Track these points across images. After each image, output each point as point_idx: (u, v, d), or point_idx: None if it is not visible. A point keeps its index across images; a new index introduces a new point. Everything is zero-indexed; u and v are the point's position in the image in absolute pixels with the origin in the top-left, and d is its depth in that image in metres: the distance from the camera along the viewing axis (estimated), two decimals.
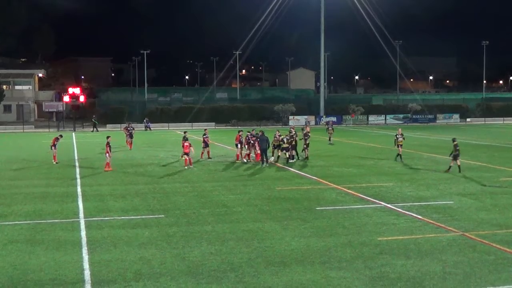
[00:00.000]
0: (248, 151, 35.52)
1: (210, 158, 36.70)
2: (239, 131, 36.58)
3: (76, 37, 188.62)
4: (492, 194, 24.07)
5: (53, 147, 35.70)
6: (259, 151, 34.41)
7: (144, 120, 75.85)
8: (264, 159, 33.67)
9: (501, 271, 13.86)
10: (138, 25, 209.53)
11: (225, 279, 13.34)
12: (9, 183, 27.86)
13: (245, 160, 35.06)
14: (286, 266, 14.31)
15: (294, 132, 36.09)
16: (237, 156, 35.91)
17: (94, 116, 76.16)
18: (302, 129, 39.65)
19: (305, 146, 36.63)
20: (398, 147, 35.31)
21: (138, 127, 69.92)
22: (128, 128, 47.48)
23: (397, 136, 35.54)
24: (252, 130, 36.82)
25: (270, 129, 53.65)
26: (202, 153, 37.55)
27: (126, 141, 46.54)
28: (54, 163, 35.12)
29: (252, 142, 35.11)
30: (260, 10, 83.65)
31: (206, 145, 37.33)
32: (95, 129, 72.66)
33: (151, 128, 74.50)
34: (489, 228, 18.05)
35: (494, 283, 13.06)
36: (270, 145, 34.52)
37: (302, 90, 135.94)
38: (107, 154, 32.09)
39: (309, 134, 37.70)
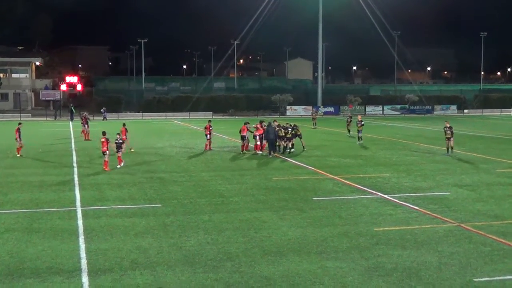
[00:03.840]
0: (259, 142, 34.48)
1: (211, 149, 36.15)
2: (245, 123, 35.85)
3: (73, 26, 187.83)
4: (489, 185, 24.12)
5: (18, 140, 33.39)
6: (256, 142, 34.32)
7: (102, 110, 74.97)
8: (271, 150, 33.39)
9: (497, 262, 13.91)
10: (136, 14, 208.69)
11: (222, 269, 13.37)
12: (5, 172, 27.83)
13: (258, 152, 34.20)
14: (282, 256, 14.35)
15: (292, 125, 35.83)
16: (242, 147, 35.16)
17: (71, 104, 75.57)
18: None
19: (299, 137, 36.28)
20: (447, 139, 33.82)
21: (97, 117, 70.16)
22: (87, 118, 46.95)
23: (445, 129, 33.90)
24: (247, 123, 36.08)
25: (267, 119, 53.55)
26: (209, 143, 36.65)
27: (83, 130, 44.75)
28: (18, 155, 33.01)
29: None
30: (258, 0, 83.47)
31: (210, 136, 36.24)
32: (72, 117, 72.18)
33: (107, 118, 72.96)
34: (485, 219, 18.10)
35: (489, 274, 13.10)
36: (277, 136, 34.17)
37: (299, 80, 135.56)
38: (106, 152, 27.98)
39: (363, 122, 41.78)
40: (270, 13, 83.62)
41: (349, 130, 47.77)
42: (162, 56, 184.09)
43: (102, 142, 27.97)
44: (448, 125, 33.91)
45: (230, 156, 33.56)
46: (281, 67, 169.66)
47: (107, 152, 27.83)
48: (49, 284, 12.44)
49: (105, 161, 27.97)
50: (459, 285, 12.39)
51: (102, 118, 71.93)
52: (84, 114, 49.78)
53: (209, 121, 37.71)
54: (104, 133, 28.62)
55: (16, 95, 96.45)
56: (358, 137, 41.37)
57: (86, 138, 43.71)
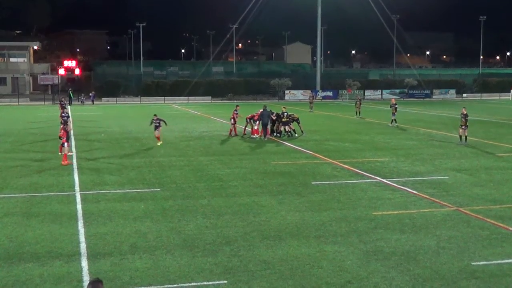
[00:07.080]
0: (256, 127, 34.62)
1: (236, 135, 35.43)
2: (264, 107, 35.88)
3: (71, 10, 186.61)
4: (487, 169, 24.13)
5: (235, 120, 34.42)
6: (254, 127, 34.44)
7: (91, 94, 74.85)
8: (263, 134, 33.63)
9: (495, 246, 13.95)
10: None
11: (220, 253, 13.39)
12: (4, 156, 27.80)
13: (254, 136, 34.31)
14: (281, 240, 14.37)
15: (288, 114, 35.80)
16: (255, 131, 34.71)
17: (70, 89, 75.41)
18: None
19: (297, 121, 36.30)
20: (460, 127, 32.05)
21: (87, 101, 71.13)
22: (62, 103, 46.69)
23: (461, 116, 31.94)
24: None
25: (264, 103, 53.46)
26: (232, 130, 35.84)
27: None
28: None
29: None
30: None
31: (234, 121, 35.58)
32: (70, 101, 72.04)
33: (94, 102, 73.03)
34: (483, 204, 18.13)
35: (487, 257, 13.14)
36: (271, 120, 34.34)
37: (298, 65, 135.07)
38: (65, 142, 26.03)
39: (396, 105, 42.74)
40: None
41: (356, 113, 48.60)
42: (160, 40, 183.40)
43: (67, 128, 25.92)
44: (465, 112, 31.94)
45: (228, 141, 33.54)
46: (280, 51, 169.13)
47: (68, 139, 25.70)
48: (49, 268, 12.46)
49: (65, 154, 25.65)
50: (457, 269, 12.43)
51: (91, 102, 71.74)
52: (61, 98, 49.84)
53: (237, 105, 37.63)
54: (65, 122, 26.62)
55: (14, 79, 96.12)
56: (392, 120, 42.16)
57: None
